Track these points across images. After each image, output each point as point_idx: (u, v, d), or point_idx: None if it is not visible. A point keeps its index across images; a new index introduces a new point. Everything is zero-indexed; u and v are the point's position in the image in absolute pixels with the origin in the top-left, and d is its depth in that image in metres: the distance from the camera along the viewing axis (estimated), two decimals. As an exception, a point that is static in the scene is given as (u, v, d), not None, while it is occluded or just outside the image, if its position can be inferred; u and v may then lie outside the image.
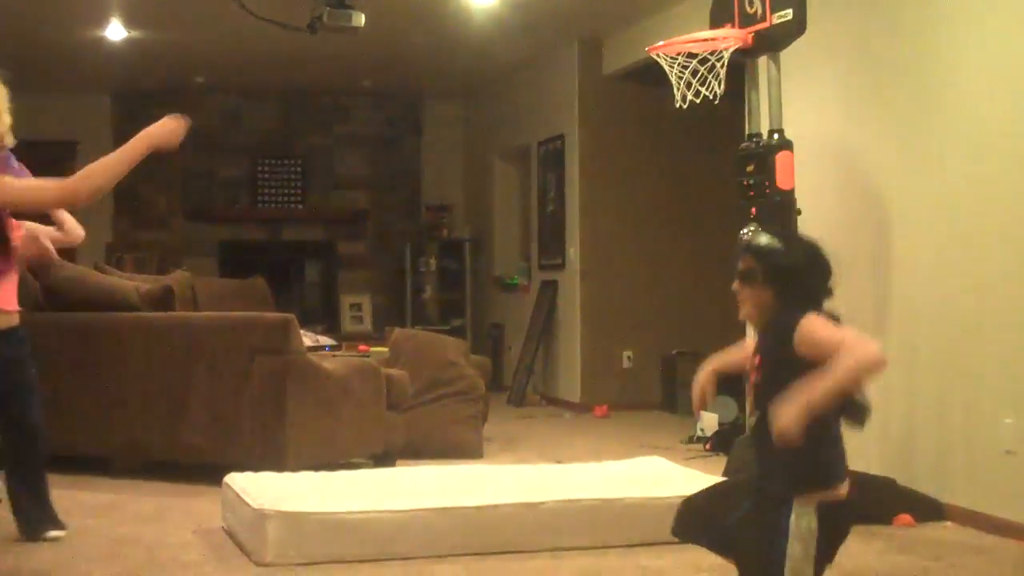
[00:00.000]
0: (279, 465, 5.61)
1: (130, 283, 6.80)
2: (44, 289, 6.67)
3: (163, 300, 6.58)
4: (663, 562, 4.40)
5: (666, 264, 9.79)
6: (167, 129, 3.49)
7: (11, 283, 4.35)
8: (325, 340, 8.29)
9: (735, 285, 3.03)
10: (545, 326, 10.29)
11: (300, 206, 11.96)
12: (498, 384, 10.35)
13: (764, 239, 3.07)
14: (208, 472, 5.63)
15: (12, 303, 4.36)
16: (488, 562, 4.47)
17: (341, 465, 6.17)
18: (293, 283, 12.27)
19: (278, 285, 10.38)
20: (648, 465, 5.61)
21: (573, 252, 9.85)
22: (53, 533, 4.60)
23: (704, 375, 3.19)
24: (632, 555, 4.52)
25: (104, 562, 4.41)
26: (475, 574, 4.32)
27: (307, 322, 7.34)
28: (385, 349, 7.50)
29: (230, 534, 4.80)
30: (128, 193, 11.23)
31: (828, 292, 2.96)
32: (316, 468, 5.54)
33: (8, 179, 3.69)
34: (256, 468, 5.25)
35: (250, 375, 6.07)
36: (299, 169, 11.93)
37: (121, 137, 13.41)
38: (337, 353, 7.68)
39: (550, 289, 10.29)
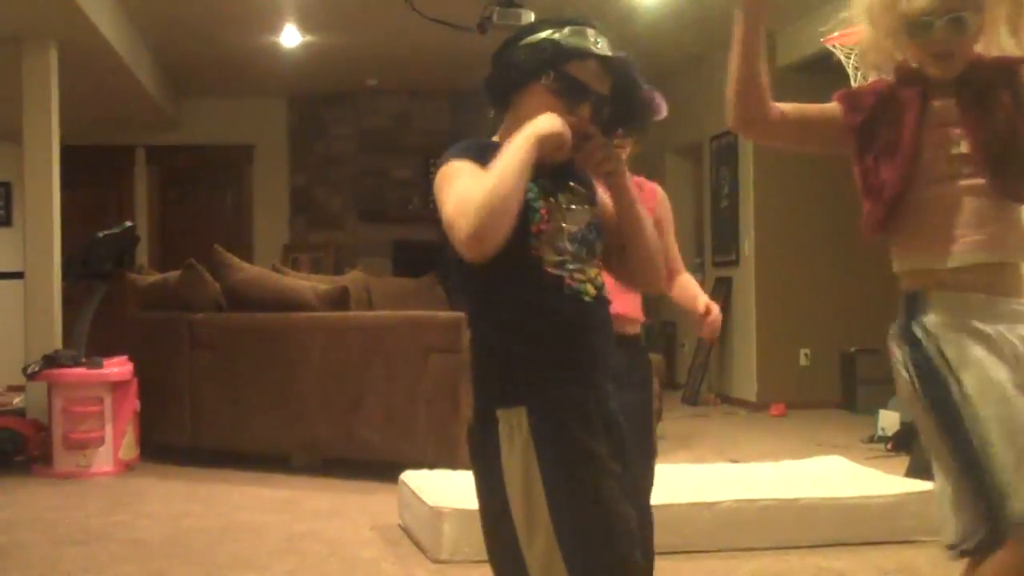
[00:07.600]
0: (453, 463, 5.63)
1: (307, 283, 6.93)
2: (224, 291, 6.84)
3: (339, 300, 6.68)
4: (843, 563, 4.30)
5: (844, 260, 9.49)
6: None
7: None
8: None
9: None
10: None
11: (471, 206, 12.01)
12: (672, 382, 10.23)
13: None
14: (384, 469, 5.69)
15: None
16: (663, 562, 4.34)
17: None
18: (466, 282, 12.30)
19: (451, 284, 10.43)
20: (828, 465, 5.50)
21: (748, 247, 9.69)
22: None
23: None
24: (811, 556, 4.43)
25: (283, 556, 4.48)
26: (651, 574, 4.25)
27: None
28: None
29: (406, 531, 4.84)
30: (303, 194, 11.48)
31: None
32: (490, 466, 5.55)
33: None
34: (431, 465, 5.29)
35: (425, 373, 6.12)
36: (470, 169, 11.98)
37: (297, 139, 13.63)
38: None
39: (724, 286, 10.14)
